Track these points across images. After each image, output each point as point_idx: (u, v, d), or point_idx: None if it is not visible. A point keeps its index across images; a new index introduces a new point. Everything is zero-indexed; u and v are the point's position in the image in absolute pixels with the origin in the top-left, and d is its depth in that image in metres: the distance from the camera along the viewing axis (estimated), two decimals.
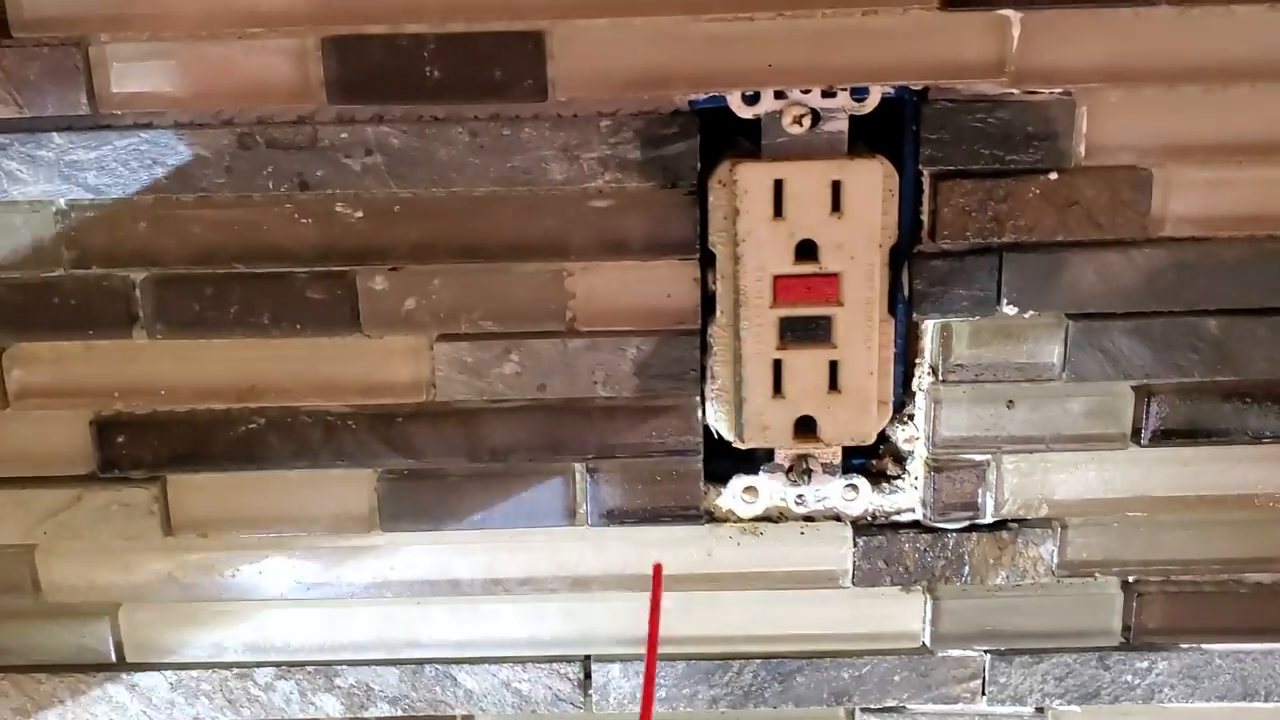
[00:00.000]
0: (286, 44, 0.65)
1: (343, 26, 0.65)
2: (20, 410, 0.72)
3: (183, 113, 0.66)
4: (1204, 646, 0.75)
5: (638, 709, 0.76)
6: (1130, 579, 0.74)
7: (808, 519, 0.74)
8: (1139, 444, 0.71)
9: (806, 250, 0.67)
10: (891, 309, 0.70)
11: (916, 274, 0.68)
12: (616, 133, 0.66)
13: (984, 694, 0.76)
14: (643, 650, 0.75)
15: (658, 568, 0.71)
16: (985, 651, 0.76)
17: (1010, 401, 0.70)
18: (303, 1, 0.64)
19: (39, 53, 0.65)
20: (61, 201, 0.68)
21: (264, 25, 0.65)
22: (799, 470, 0.72)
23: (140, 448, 0.72)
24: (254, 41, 0.65)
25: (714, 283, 0.70)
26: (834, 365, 0.69)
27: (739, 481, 0.73)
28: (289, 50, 0.65)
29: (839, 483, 0.72)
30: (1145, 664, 0.75)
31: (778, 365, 0.69)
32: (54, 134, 0.66)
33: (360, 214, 0.67)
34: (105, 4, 0.64)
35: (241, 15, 0.64)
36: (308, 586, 0.75)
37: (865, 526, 0.74)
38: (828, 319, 0.68)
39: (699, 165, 0.67)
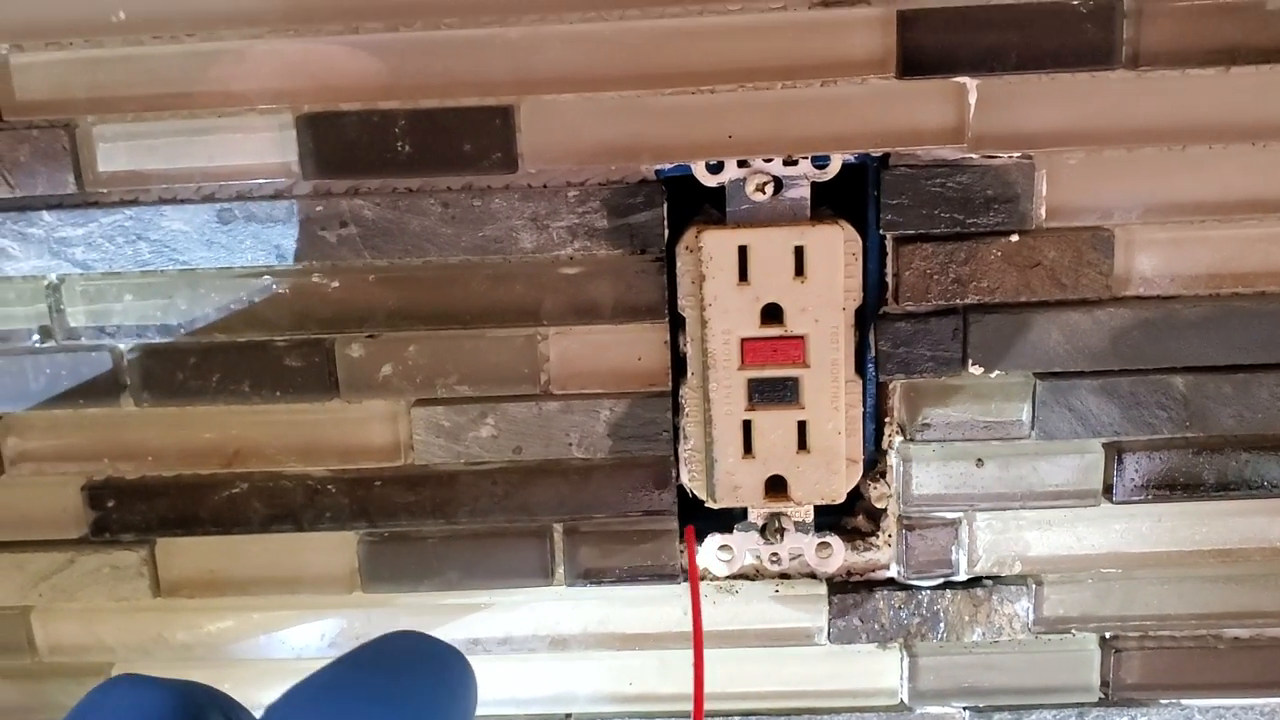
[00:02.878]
0: (264, 121, 0.67)
1: (318, 104, 0.67)
2: (15, 477, 0.74)
3: (165, 189, 0.69)
4: (1184, 701, 0.75)
5: None
6: (1108, 635, 0.74)
7: (783, 577, 0.75)
8: (1111, 501, 0.71)
9: (772, 313, 0.68)
10: (861, 369, 0.71)
11: (881, 335, 0.69)
12: (584, 202, 0.68)
13: None
14: (623, 708, 0.76)
15: (690, 530, 0.72)
16: (964, 708, 0.76)
17: (980, 460, 0.71)
18: (278, 80, 0.66)
19: (29, 135, 0.68)
20: (53, 276, 0.70)
21: (242, 104, 0.67)
22: (772, 529, 0.73)
23: (130, 512, 0.74)
24: (233, 119, 0.67)
25: (685, 345, 0.71)
26: (802, 425, 0.70)
27: (713, 540, 0.74)
28: (266, 127, 0.67)
29: (812, 541, 0.73)
30: None
31: (747, 426, 0.70)
32: (44, 212, 0.69)
33: (336, 284, 0.69)
34: (91, 87, 0.67)
35: (220, 95, 0.67)
36: (292, 646, 0.76)
37: (840, 584, 0.74)
38: (795, 380, 0.69)
39: (666, 232, 0.69)
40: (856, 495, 0.74)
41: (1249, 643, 0.74)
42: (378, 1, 0.65)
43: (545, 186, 0.68)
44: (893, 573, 0.74)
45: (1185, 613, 0.74)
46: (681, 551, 0.74)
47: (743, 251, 0.67)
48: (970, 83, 0.65)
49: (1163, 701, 0.75)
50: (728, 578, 0.75)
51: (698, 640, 0.65)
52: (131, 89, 0.67)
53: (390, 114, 0.67)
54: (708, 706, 0.76)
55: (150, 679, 0.35)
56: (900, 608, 0.74)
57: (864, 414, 0.72)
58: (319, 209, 0.68)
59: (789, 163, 0.67)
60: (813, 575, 0.75)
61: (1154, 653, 0.74)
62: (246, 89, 0.67)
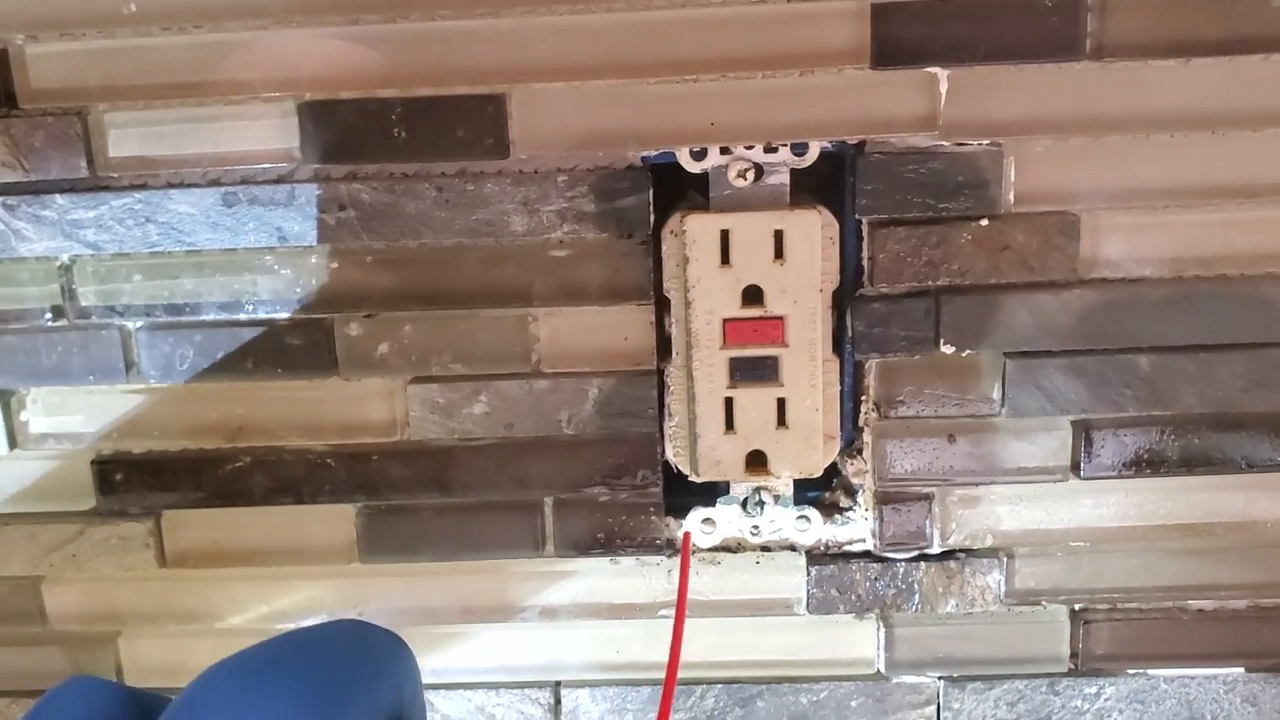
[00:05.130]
0: (267, 109, 0.70)
1: (318, 93, 0.70)
2: (28, 450, 0.77)
3: (173, 174, 0.72)
4: (1150, 672, 0.78)
5: None
6: (1077, 607, 0.77)
7: (764, 549, 0.78)
8: (1079, 477, 0.74)
9: (753, 295, 0.71)
10: (839, 349, 0.74)
11: (857, 316, 0.72)
12: (573, 187, 0.71)
13: (939, 719, 0.79)
14: (610, 675, 0.79)
15: (686, 535, 0.75)
16: (939, 677, 0.79)
17: (951, 436, 0.74)
18: (281, 70, 0.70)
19: (44, 122, 0.71)
20: (65, 257, 0.74)
21: (247, 92, 0.70)
22: (753, 502, 0.76)
23: (137, 485, 0.77)
24: (238, 107, 0.71)
25: (670, 326, 0.74)
26: (781, 402, 0.73)
27: (697, 513, 0.77)
28: (269, 115, 0.71)
29: (792, 514, 0.76)
30: (1094, 689, 0.78)
31: (729, 403, 0.73)
32: (57, 195, 0.72)
33: (335, 265, 0.72)
34: (103, 76, 0.70)
35: (226, 84, 0.70)
36: (293, 615, 0.79)
37: (818, 556, 0.77)
38: (774, 359, 0.72)
39: (652, 216, 0.72)
40: (835, 470, 0.77)
41: (1212, 614, 0.77)
42: None
43: (536, 172, 0.71)
44: (869, 545, 0.77)
45: (1151, 586, 0.77)
46: (667, 525, 0.77)
47: (725, 235, 0.70)
48: (941, 73, 0.68)
49: (1130, 671, 0.78)
50: (710, 549, 0.77)
51: (675, 646, 0.66)
52: (142, 78, 0.70)
53: (387, 102, 0.70)
54: (692, 674, 0.79)
55: (103, 680, 0.38)
56: (876, 579, 0.76)
57: (841, 392, 0.75)
58: (318, 193, 0.71)
59: (769, 150, 0.70)
60: (792, 547, 0.77)
61: (1122, 624, 0.77)
62: (251, 78, 0.70)
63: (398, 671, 0.36)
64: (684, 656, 0.79)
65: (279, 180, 0.72)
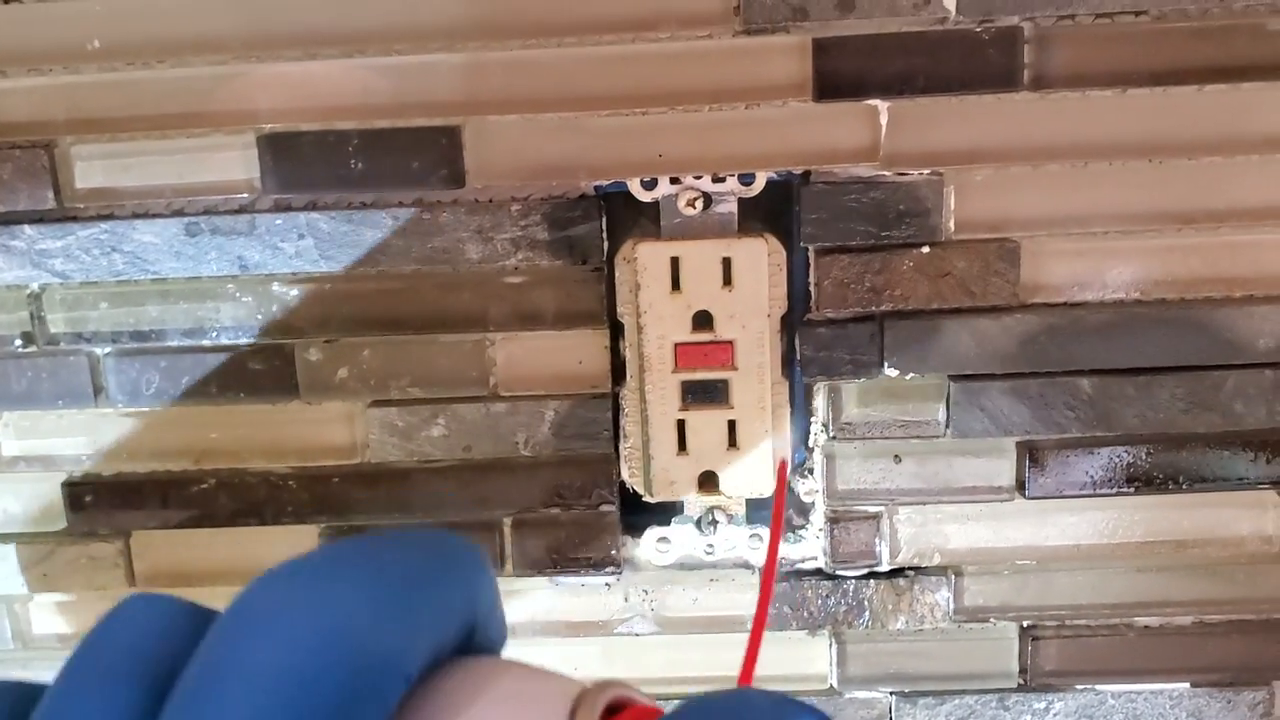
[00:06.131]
0: (229, 140, 0.72)
1: (278, 125, 0.72)
2: (1, 473, 0.79)
3: (138, 204, 0.74)
4: (1098, 687, 0.79)
5: None
6: (1025, 624, 0.79)
7: (718, 567, 0.79)
8: (1025, 496, 0.76)
9: (703, 320, 0.73)
10: (789, 372, 0.76)
11: (804, 340, 0.74)
12: (527, 216, 0.73)
13: None
14: None
15: (783, 464, 0.75)
16: (890, 693, 0.80)
17: (897, 457, 0.75)
18: (242, 103, 0.72)
19: (11, 155, 0.73)
20: (34, 286, 0.76)
21: (209, 125, 0.72)
22: (707, 521, 0.77)
23: (106, 506, 0.79)
24: (200, 139, 0.73)
25: (623, 350, 0.76)
26: (732, 424, 0.74)
27: (653, 533, 0.78)
28: (231, 146, 0.73)
29: (745, 533, 0.78)
30: (1043, 705, 0.79)
31: (681, 425, 0.75)
32: (25, 226, 0.74)
33: (295, 291, 0.74)
34: (69, 110, 0.72)
35: (189, 116, 0.72)
36: None
37: None
38: (725, 382, 0.74)
39: (606, 244, 0.74)
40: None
41: (1158, 631, 0.78)
42: (333, 30, 0.70)
43: (490, 201, 0.73)
44: (820, 563, 0.78)
45: (1098, 603, 0.78)
46: (623, 544, 0.79)
47: (675, 262, 0.72)
48: (882, 105, 0.70)
49: (1078, 687, 0.79)
50: (666, 568, 0.79)
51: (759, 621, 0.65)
52: (107, 112, 0.72)
53: (344, 134, 0.72)
54: (649, 691, 0.81)
55: (164, 595, 0.39)
56: (827, 596, 0.78)
57: (790, 414, 0.76)
58: (278, 222, 0.73)
59: (717, 180, 0.72)
60: (746, 565, 0.79)
61: (1070, 641, 0.79)
62: (213, 111, 0.72)
63: (474, 577, 0.33)
64: (639, 674, 0.81)
65: (240, 210, 0.74)
